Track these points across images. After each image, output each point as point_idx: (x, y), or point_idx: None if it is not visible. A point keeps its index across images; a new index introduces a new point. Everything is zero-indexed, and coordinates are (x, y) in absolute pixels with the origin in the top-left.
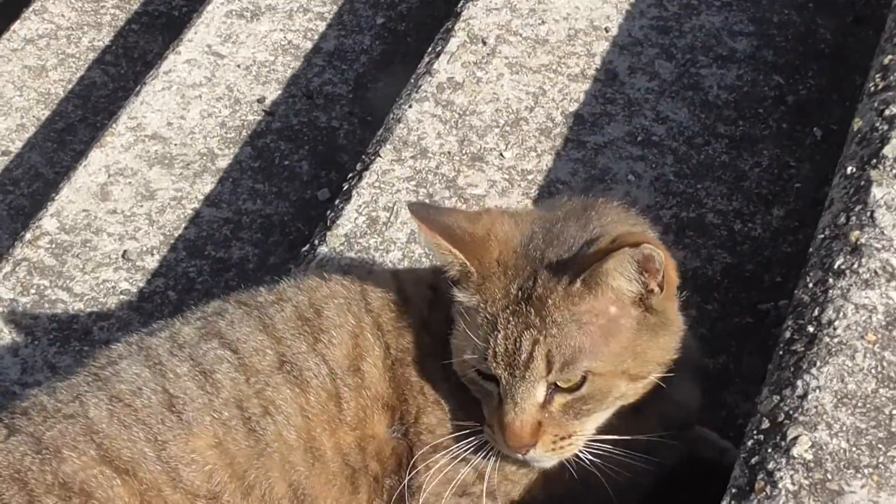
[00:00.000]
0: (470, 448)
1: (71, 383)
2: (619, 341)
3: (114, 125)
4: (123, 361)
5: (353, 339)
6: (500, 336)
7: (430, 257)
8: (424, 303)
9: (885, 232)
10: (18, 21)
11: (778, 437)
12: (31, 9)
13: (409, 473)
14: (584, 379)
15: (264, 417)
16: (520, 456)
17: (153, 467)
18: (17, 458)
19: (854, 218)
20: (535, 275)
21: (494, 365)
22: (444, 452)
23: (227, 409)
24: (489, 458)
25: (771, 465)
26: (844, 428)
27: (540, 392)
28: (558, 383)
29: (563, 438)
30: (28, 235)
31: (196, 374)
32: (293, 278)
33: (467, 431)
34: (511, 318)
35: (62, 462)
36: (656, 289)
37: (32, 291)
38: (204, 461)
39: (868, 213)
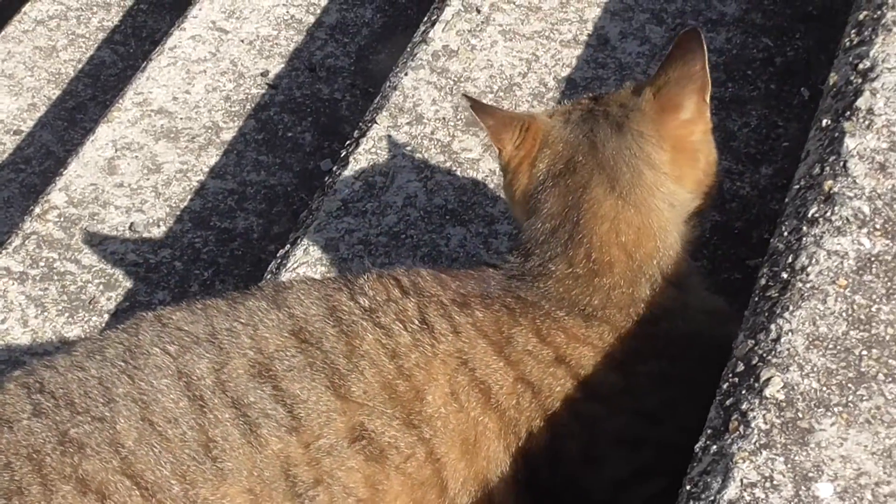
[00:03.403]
0: None
1: (104, 377)
2: None
3: (120, 101)
4: (162, 379)
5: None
6: None
7: (426, 220)
8: None
9: (857, 181)
10: (29, 3)
11: (752, 379)
12: None
13: None
14: None
15: (314, 487)
16: None
17: (175, 498)
18: (38, 441)
19: (828, 168)
20: None
21: None
22: None
23: (270, 469)
24: None
25: (745, 406)
26: (815, 369)
27: None
28: None
29: None
30: (37, 209)
31: (240, 422)
32: (364, 317)
33: None
34: None
35: (84, 459)
36: None
37: (41, 264)
38: None
39: (841, 163)
